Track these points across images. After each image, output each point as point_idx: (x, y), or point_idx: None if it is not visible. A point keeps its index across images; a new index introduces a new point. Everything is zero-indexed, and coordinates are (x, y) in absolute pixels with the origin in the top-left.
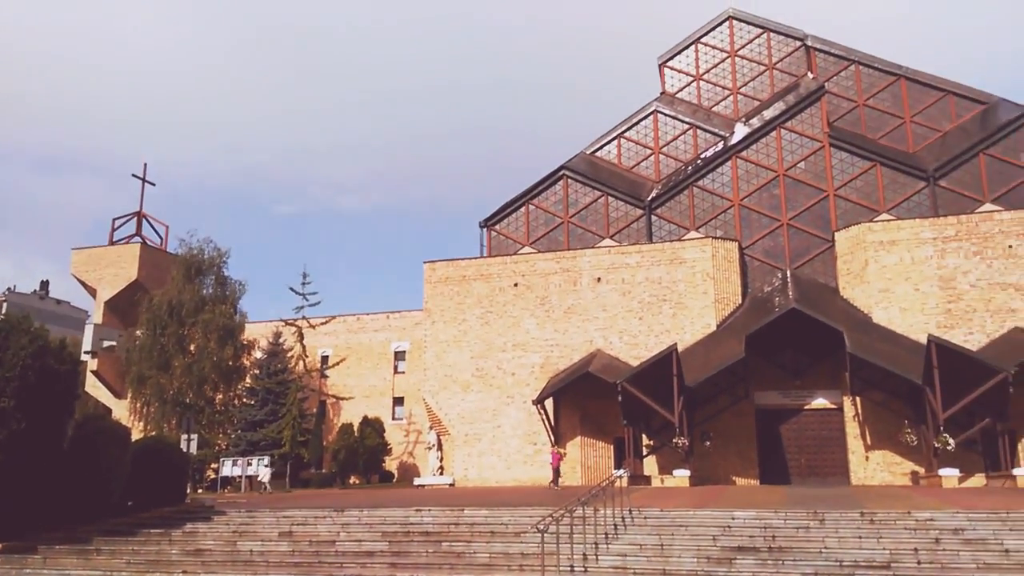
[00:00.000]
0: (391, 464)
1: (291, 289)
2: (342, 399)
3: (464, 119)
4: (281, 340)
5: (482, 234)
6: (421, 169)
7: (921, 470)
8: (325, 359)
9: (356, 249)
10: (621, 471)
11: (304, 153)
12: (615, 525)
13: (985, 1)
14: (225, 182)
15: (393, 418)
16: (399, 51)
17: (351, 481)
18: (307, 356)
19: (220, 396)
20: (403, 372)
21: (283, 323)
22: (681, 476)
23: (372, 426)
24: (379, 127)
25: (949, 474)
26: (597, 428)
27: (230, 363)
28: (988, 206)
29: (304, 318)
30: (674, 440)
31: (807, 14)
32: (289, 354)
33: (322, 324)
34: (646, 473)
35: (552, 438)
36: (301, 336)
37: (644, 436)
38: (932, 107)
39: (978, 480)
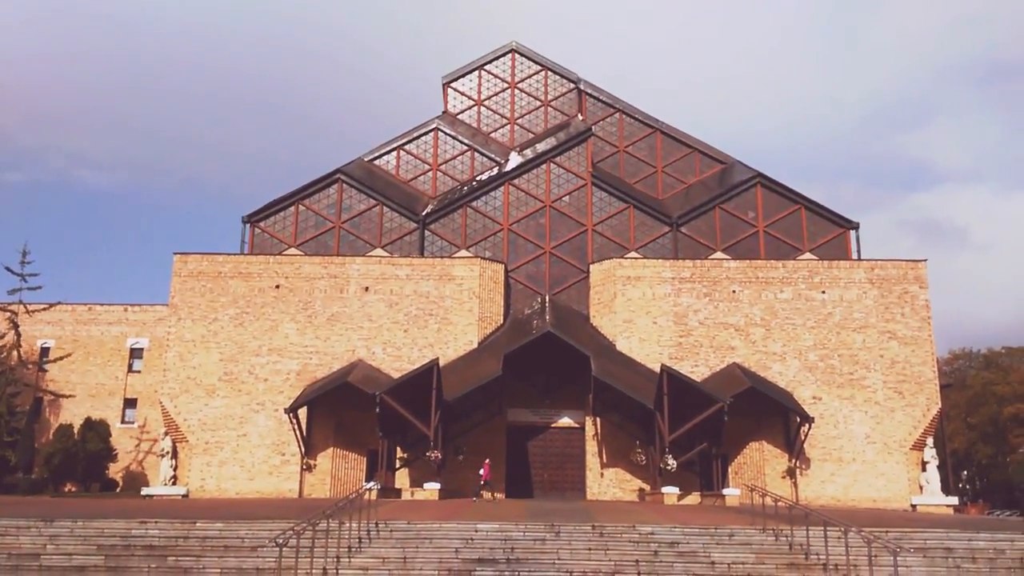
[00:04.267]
0: (116, 472)
1: (7, 268)
2: (62, 397)
3: (230, 108)
4: None
5: (244, 230)
6: (176, 153)
7: (647, 487)
8: (46, 351)
9: (94, 231)
10: (371, 483)
11: (48, 114)
12: (360, 538)
13: (733, 83)
14: None
15: (123, 421)
16: (158, 16)
17: (66, 489)
18: (22, 346)
19: None
20: (139, 371)
21: None
22: (431, 489)
23: (96, 429)
24: (136, 97)
25: (670, 492)
26: (352, 439)
27: None
28: (719, 254)
29: (21, 302)
30: (428, 453)
31: (584, 56)
32: (0, 343)
33: (43, 311)
34: (398, 486)
35: (302, 449)
36: (15, 323)
37: (399, 449)
38: (680, 161)
39: (694, 498)
